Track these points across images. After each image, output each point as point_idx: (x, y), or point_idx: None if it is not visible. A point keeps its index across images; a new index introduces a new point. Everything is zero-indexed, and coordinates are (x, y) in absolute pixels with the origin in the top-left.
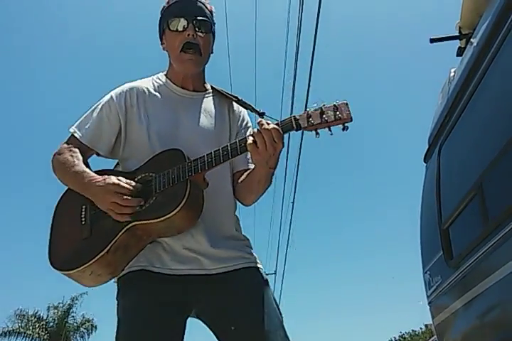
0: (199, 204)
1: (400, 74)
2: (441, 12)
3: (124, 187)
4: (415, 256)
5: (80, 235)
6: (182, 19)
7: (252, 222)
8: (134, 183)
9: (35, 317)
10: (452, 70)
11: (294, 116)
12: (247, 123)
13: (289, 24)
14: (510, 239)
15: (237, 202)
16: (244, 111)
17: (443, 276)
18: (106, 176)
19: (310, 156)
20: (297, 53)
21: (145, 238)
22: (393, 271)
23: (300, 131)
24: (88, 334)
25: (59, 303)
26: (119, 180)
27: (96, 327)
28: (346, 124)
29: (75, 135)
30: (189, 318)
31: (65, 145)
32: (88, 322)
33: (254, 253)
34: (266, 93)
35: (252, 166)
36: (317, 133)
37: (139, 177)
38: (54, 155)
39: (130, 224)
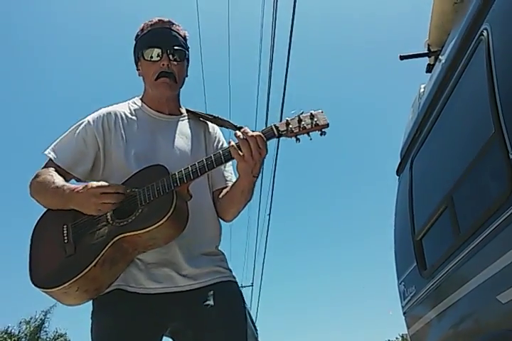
0: (185, 215)
1: (371, 91)
2: (411, 30)
3: (108, 186)
4: (389, 270)
5: (63, 253)
6: (156, 49)
7: (229, 234)
8: (112, 183)
9: (5, 333)
10: (422, 86)
11: (274, 124)
12: (222, 144)
13: (262, 36)
14: (481, 250)
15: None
16: (219, 133)
17: (417, 287)
18: (85, 183)
19: (285, 167)
20: (271, 61)
21: (131, 251)
22: (368, 282)
23: (276, 143)
24: None
25: (30, 318)
26: (100, 182)
27: None
28: (324, 130)
29: (51, 157)
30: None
31: (43, 170)
32: (61, 336)
33: (229, 267)
34: (240, 104)
35: (229, 183)
36: (297, 139)
37: None
38: (32, 180)
39: (117, 237)
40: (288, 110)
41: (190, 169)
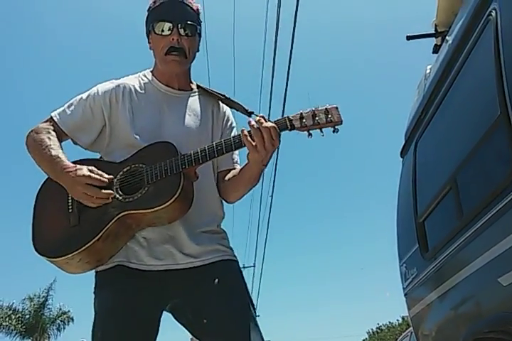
0: (190, 197)
1: (378, 70)
2: (419, 11)
3: (95, 178)
4: (391, 248)
5: (67, 222)
6: (167, 23)
7: (232, 215)
8: (106, 175)
9: (10, 309)
10: (428, 67)
11: (288, 117)
12: (231, 123)
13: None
14: (484, 232)
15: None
16: (229, 112)
17: (418, 269)
18: (78, 166)
19: (288, 150)
20: (275, 50)
21: (134, 227)
22: (371, 262)
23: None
24: (64, 327)
25: (34, 295)
26: (90, 171)
27: (72, 319)
28: (337, 127)
29: (56, 120)
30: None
31: (44, 125)
32: (64, 314)
33: (230, 246)
34: (244, 92)
35: (237, 166)
36: (310, 134)
37: (128, 168)
38: (31, 132)
39: (122, 213)
40: (292, 92)
41: (199, 153)
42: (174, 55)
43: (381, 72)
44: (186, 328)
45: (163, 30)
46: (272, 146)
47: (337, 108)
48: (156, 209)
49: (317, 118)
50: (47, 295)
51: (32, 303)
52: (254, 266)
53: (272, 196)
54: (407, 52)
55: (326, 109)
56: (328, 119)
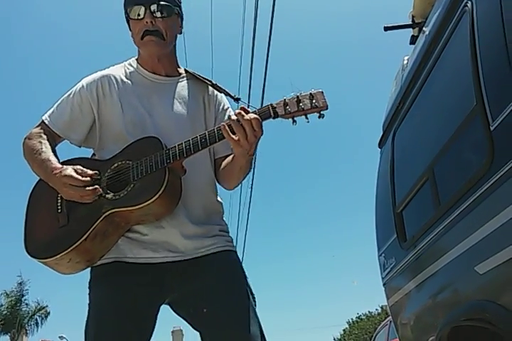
0: (177, 192)
1: (355, 61)
2: (395, 2)
3: (76, 179)
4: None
5: (56, 223)
6: (140, 6)
7: None
8: (89, 172)
9: None
10: (405, 58)
11: (272, 104)
12: (224, 106)
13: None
14: (460, 222)
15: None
16: (220, 95)
17: (397, 258)
18: (64, 167)
19: (267, 140)
20: (254, 40)
21: (123, 225)
22: (346, 250)
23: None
24: (42, 322)
25: (11, 291)
26: (75, 170)
27: (49, 313)
28: (322, 112)
29: (47, 123)
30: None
31: (36, 130)
32: (42, 309)
33: (229, 237)
34: (222, 80)
35: None
36: (294, 121)
37: (116, 165)
38: (25, 139)
39: (108, 212)
40: (271, 82)
41: (184, 145)
42: (150, 35)
43: (359, 62)
44: (186, 320)
45: (139, 15)
46: (254, 138)
47: (322, 92)
48: (141, 205)
49: (301, 104)
50: (22, 290)
51: (8, 299)
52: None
53: (251, 187)
54: (384, 42)
55: (310, 93)
56: (313, 104)
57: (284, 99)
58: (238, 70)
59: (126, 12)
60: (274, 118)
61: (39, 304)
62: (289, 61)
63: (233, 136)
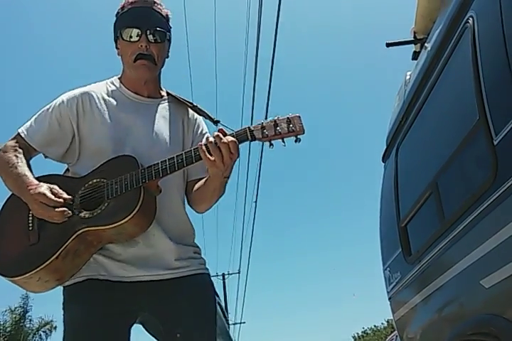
0: (152, 211)
1: (357, 76)
2: (397, 18)
3: (49, 198)
4: (377, 253)
5: (27, 241)
6: (135, 29)
7: (215, 221)
8: (65, 195)
9: None
10: (408, 73)
11: (249, 127)
12: (202, 130)
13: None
14: (465, 235)
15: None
16: (200, 118)
17: (402, 272)
18: (40, 184)
19: (271, 154)
20: (256, 58)
21: (95, 244)
22: (356, 264)
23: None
24: (47, 337)
25: (15, 308)
26: (50, 189)
27: (56, 328)
28: (299, 136)
29: (23, 136)
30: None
31: (11, 143)
32: (47, 324)
33: (203, 259)
34: (226, 99)
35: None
36: (271, 144)
37: (90, 182)
38: None
39: (81, 230)
40: (274, 100)
41: (160, 165)
42: (143, 60)
43: (362, 77)
44: (157, 339)
45: (131, 37)
46: (230, 160)
47: (299, 117)
48: (115, 225)
49: (278, 127)
50: (26, 306)
51: (13, 315)
52: (239, 273)
53: (256, 201)
54: (386, 58)
55: (287, 118)
56: (290, 129)
57: (262, 123)
58: (242, 90)
59: (118, 32)
60: (251, 141)
61: (43, 319)
62: (291, 78)
63: (209, 157)
